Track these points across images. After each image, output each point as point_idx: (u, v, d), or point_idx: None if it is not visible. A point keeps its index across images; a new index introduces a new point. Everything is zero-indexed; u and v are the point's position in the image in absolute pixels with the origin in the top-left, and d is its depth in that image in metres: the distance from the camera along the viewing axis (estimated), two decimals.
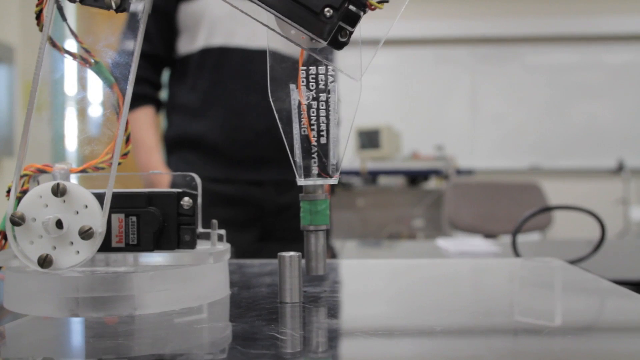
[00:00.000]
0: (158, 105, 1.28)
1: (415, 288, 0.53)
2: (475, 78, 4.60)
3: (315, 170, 0.45)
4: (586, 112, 4.52)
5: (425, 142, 4.34)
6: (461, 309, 0.43)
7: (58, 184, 0.37)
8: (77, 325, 0.38)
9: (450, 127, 4.56)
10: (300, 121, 0.44)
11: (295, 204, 1.49)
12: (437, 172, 3.76)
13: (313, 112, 0.45)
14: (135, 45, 0.39)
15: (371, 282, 0.57)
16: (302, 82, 0.45)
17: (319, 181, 0.45)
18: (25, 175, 0.40)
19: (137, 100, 1.24)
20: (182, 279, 0.40)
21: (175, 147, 1.26)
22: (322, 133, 0.45)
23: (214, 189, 1.20)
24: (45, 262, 0.37)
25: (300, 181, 0.45)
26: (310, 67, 0.44)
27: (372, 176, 3.88)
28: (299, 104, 0.45)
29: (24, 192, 0.38)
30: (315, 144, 0.45)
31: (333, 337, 0.34)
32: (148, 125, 1.23)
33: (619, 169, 4.11)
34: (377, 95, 4.52)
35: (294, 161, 0.45)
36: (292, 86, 0.44)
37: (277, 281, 0.43)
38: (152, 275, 0.39)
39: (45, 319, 0.38)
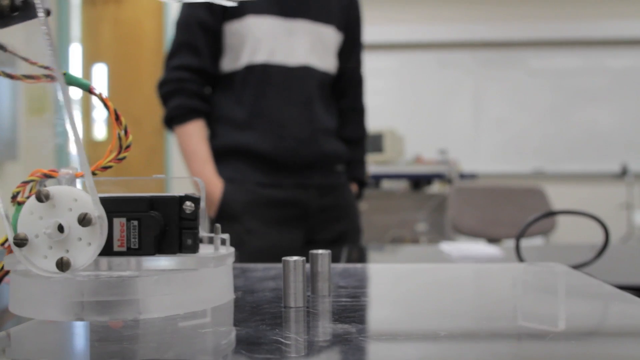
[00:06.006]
0: (208, 118, 1.36)
1: (419, 292, 0.53)
2: (479, 82, 4.60)
3: None
4: (589, 117, 4.52)
5: (429, 146, 4.35)
6: (465, 313, 0.43)
7: (39, 191, 0.37)
8: (81, 329, 0.38)
9: (454, 131, 4.56)
10: None
11: (336, 206, 1.60)
12: (440, 176, 3.76)
13: None
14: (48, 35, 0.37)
15: (374, 286, 0.57)
16: None
17: None
18: (32, 180, 0.40)
19: (190, 114, 1.33)
20: (186, 283, 0.40)
21: (224, 156, 1.34)
22: None
23: (263, 192, 1.32)
24: (63, 265, 0.37)
25: None
26: None
27: (375, 180, 3.88)
28: None
29: None
30: None
31: (337, 341, 0.34)
32: (200, 138, 1.32)
33: (623, 173, 4.10)
34: (381, 99, 4.52)
35: None
36: None
37: (281, 285, 0.43)
38: (157, 280, 0.39)
39: (50, 322, 0.39)
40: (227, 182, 1.31)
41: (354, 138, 1.48)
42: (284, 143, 1.31)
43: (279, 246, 1.28)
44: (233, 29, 1.30)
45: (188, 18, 1.32)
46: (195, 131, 1.32)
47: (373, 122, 4.04)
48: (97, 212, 0.37)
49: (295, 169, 1.33)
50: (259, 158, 1.31)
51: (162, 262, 0.41)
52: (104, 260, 0.41)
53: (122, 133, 0.42)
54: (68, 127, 0.37)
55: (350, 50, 1.45)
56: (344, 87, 1.46)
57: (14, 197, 0.39)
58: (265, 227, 1.30)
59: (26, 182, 0.40)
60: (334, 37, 1.39)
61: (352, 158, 1.47)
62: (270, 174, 1.32)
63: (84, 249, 0.37)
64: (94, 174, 0.41)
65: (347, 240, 1.39)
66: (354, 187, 1.49)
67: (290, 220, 1.33)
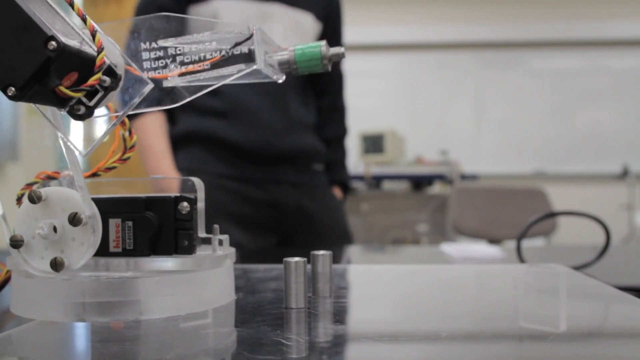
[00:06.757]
0: (169, 112, 1.25)
1: (420, 293, 0.53)
2: (480, 83, 4.60)
3: None
4: (590, 117, 4.52)
5: (430, 147, 4.34)
6: (466, 314, 0.43)
7: (32, 192, 0.37)
8: (83, 330, 0.38)
9: (455, 132, 4.56)
10: None
11: (316, 210, 1.31)
12: (441, 177, 3.77)
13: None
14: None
15: (375, 287, 0.57)
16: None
17: None
18: (36, 182, 0.40)
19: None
20: (187, 284, 0.40)
21: (183, 143, 1.23)
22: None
23: (226, 185, 1.19)
24: (57, 265, 0.37)
25: None
26: None
27: (376, 181, 3.88)
28: None
29: None
30: None
31: (338, 342, 0.34)
32: (157, 131, 1.21)
33: (624, 174, 4.10)
34: (381, 100, 4.52)
35: None
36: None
37: (282, 286, 0.43)
38: (158, 280, 0.39)
39: (51, 323, 0.39)
40: (185, 174, 1.15)
41: (334, 137, 1.37)
42: (255, 132, 1.19)
43: (247, 248, 1.16)
44: (200, 12, 1.19)
45: (147, 3, 1.20)
46: (151, 123, 1.21)
47: (374, 122, 4.07)
48: (88, 211, 0.37)
49: (266, 162, 1.21)
50: (223, 146, 1.20)
51: (163, 263, 0.41)
52: (105, 261, 0.41)
53: (127, 134, 0.42)
54: (54, 128, 0.37)
55: (330, 44, 1.36)
56: (323, 84, 1.35)
57: (18, 199, 0.39)
58: (229, 225, 1.15)
59: (30, 184, 0.40)
60: (312, 25, 1.28)
61: (333, 160, 1.37)
62: (236, 165, 1.20)
63: (78, 249, 0.37)
64: (96, 174, 0.41)
65: (333, 245, 1.29)
66: (337, 191, 1.37)
67: (262, 221, 1.20)
